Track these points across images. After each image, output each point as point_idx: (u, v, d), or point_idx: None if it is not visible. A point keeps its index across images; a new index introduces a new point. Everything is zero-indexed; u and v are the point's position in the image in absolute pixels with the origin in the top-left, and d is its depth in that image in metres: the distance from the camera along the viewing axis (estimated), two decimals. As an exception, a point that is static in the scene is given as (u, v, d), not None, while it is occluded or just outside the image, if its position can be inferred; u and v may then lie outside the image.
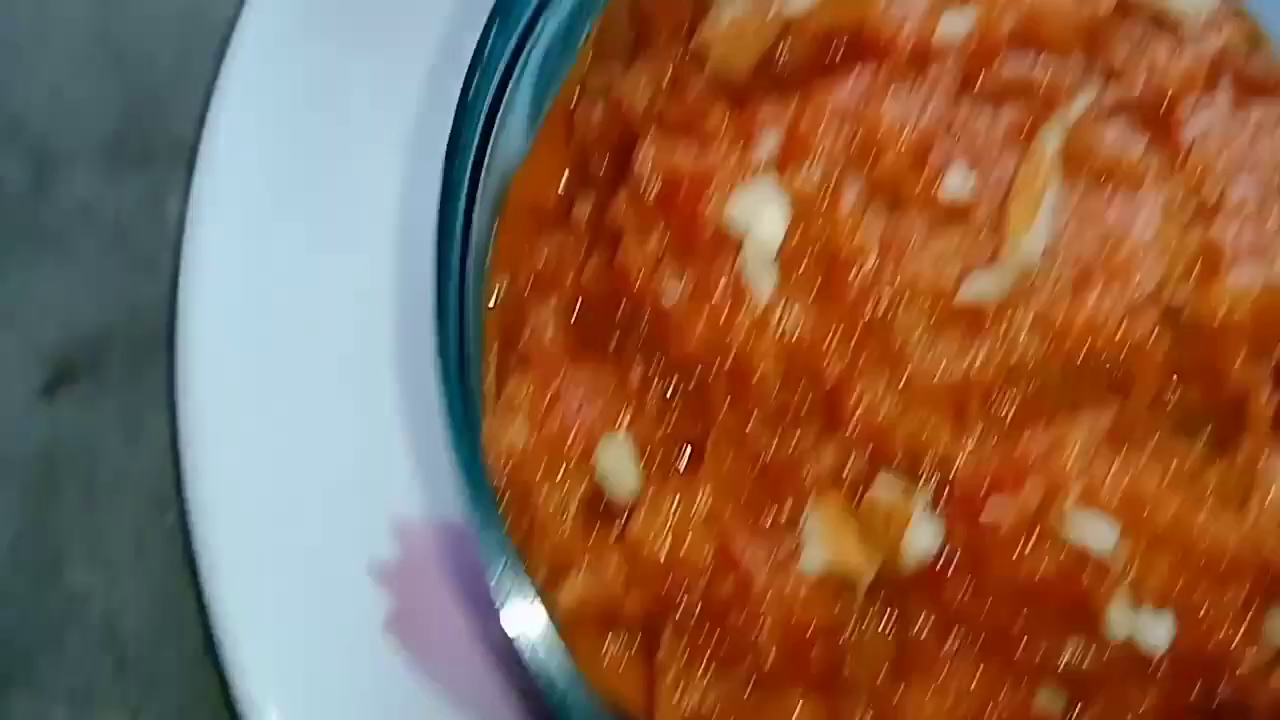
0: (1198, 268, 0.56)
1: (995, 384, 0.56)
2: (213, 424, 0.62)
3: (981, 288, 0.56)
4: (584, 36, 0.64)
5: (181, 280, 0.64)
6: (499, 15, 0.59)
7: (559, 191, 0.63)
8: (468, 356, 0.57)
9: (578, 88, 0.64)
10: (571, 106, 0.63)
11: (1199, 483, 0.56)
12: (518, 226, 0.61)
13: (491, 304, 0.61)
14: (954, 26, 0.58)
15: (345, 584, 0.62)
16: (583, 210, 0.62)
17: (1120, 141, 0.59)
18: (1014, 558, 0.54)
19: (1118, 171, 0.58)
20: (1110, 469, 0.55)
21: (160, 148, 0.72)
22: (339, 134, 0.66)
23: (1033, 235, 0.55)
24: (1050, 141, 0.57)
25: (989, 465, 0.55)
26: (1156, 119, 0.60)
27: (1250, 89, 0.63)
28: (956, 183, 0.56)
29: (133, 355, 0.70)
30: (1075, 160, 0.59)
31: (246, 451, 0.62)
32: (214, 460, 0.62)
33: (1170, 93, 0.60)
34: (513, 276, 0.61)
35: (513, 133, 0.61)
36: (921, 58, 0.58)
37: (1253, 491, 0.56)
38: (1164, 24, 0.62)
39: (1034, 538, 0.54)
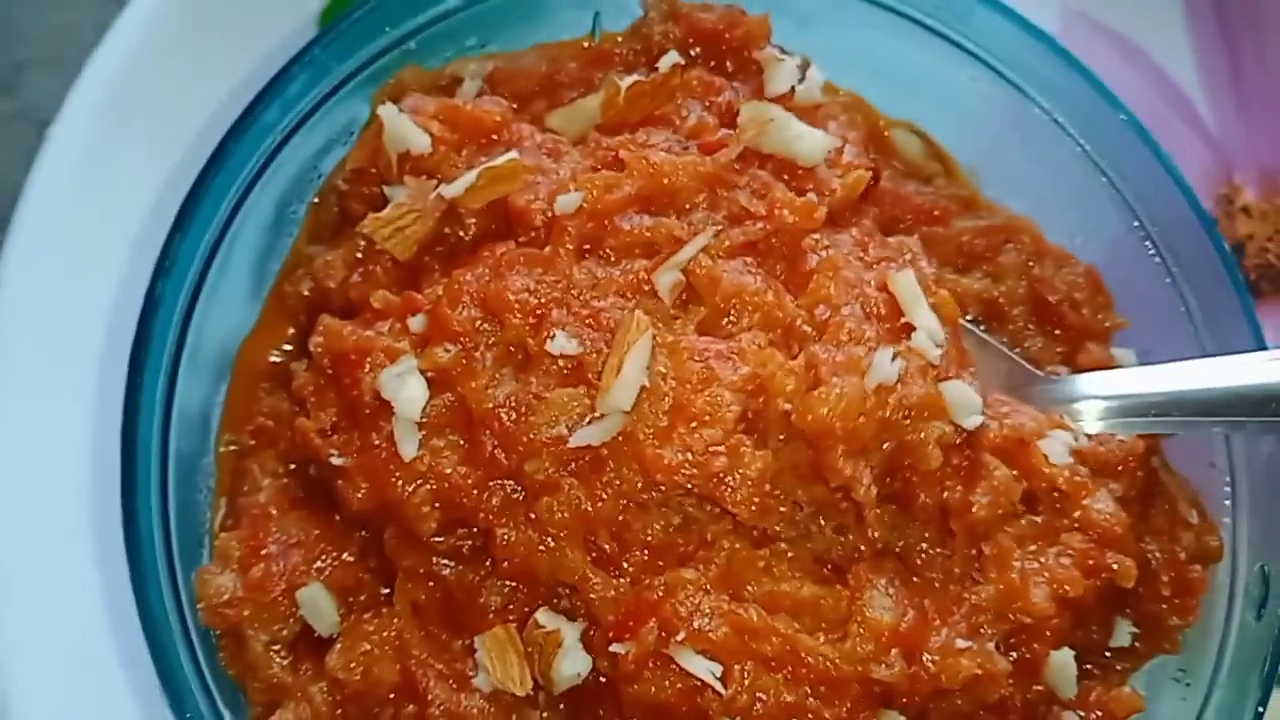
0: (799, 383, 0.65)
1: (617, 522, 0.64)
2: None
3: (587, 435, 0.63)
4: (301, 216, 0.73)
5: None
6: (200, 194, 0.68)
7: (279, 357, 0.72)
8: (169, 508, 0.66)
9: (294, 265, 0.72)
10: (286, 282, 0.72)
11: (807, 611, 0.63)
12: (245, 387, 0.71)
13: (222, 451, 0.71)
14: (568, 201, 0.66)
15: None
16: (298, 376, 0.71)
17: (738, 277, 0.66)
18: (640, 683, 0.62)
19: (739, 304, 0.65)
20: (719, 607, 0.62)
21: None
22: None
23: (621, 386, 0.62)
24: (665, 279, 0.65)
25: (617, 605, 0.63)
26: (783, 253, 0.67)
27: (888, 223, 0.70)
28: (561, 342, 0.64)
29: None
30: (692, 299, 0.66)
31: None
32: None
33: (794, 226, 0.67)
34: (238, 432, 0.71)
35: (232, 302, 0.70)
36: (547, 230, 0.66)
37: (851, 619, 0.63)
38: (788, 168, 0.69)
39: (656, 667, 0.62)
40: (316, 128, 0.72)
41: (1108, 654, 0.75)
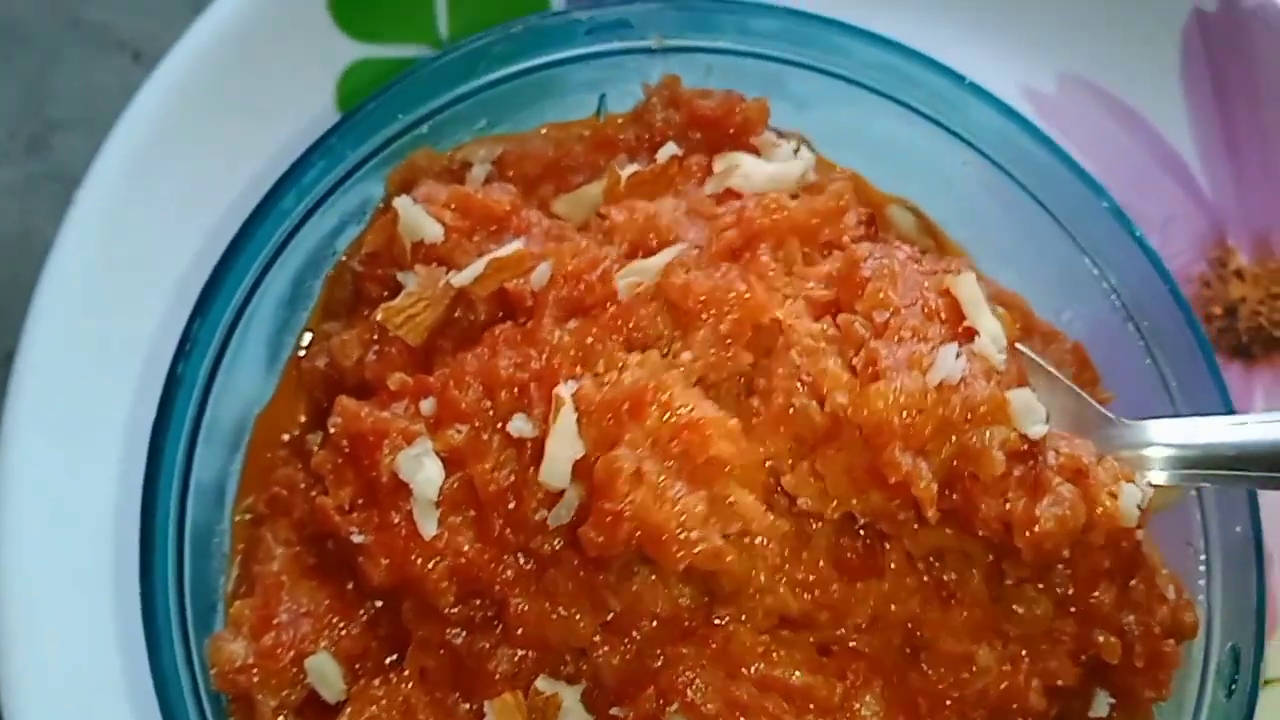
0: (858, 378, 0.67)
1: (626, 593, 0.68)
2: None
3: (556, 517, 0.68)
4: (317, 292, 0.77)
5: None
6: (219, 279, 0.72)
7: (296, 430, 0.76)
8: (184, 576, 0.71)
9: (310, 339, 0.77)
10: (302, 357, 0.77)
11: (799, 696, 0.67)
12: (260, 458, 0.75)
13: (237, 519, 0.75)
14: (541, 273, 0.71)
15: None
16: (313, 448, 0.75)
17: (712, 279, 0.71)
18: None
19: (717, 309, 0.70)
20: (714, 683, 0.67)
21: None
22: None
23: (551, 465, 0.67)
24: (624, 282, 0.70)
25: (621, 671, 0.67)
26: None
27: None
28: (519, 424, 0.69)
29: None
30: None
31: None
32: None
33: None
34: (255, 500, 0.75)
35: (248, 376, 0.75)
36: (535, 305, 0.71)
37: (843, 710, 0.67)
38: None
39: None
40: (332, 208, 0.76)
41: (1087, 724, 0.78)
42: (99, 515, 0.78)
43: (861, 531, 0.71)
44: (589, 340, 0.69)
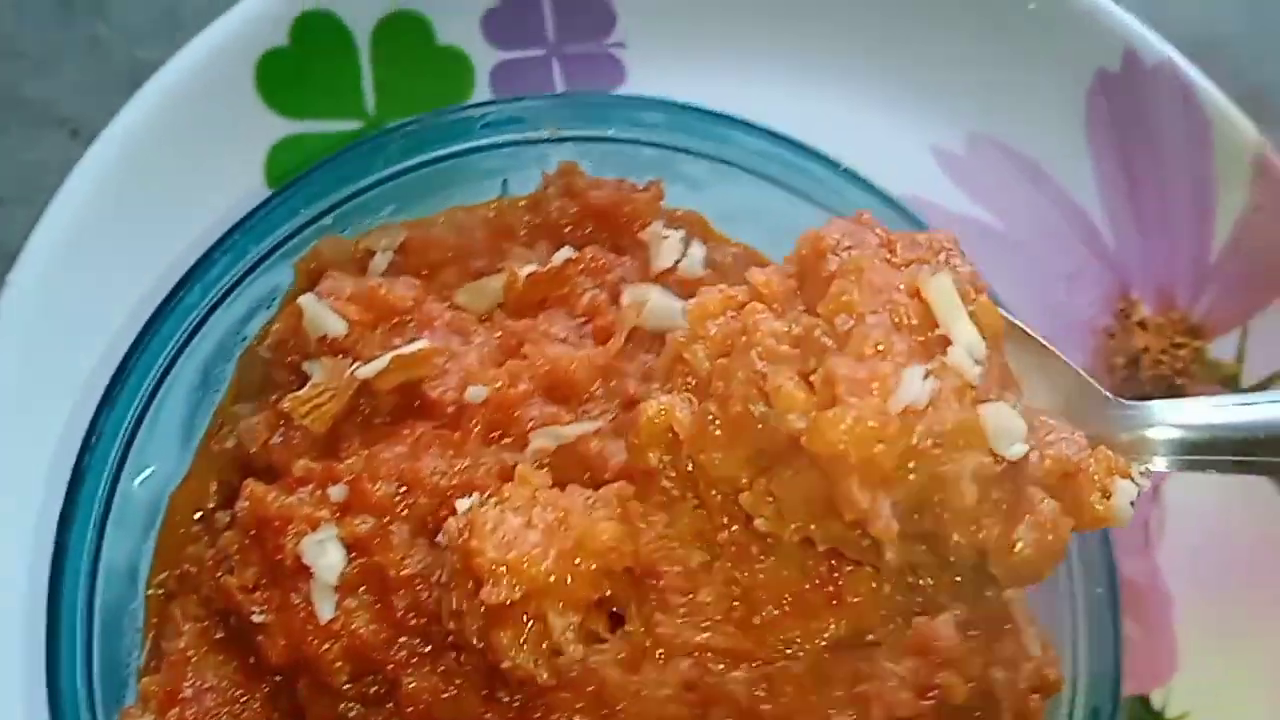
0: (809, 400, 0.62)
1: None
2: None
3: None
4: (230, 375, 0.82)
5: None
6: (125, 373, 0.77)
7: (209, 507, 0.81)
8: (93, 655, 0.75)
9: (222, 421, 0.82)
10: (213, 438, 0.82)
11: None
12: (172, 536, 0.80)
13: (149, 594, 0.80)
14: (476, 393, 0.75)
15: None
16: (222, 525, 0.80)
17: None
18: None
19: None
20: None
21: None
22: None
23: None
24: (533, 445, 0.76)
25: None
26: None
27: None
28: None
29: None
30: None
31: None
32: None
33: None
34: (166, 577, 0.80)
35: (159, 458, 0.80)
36: (458, 415, 0.75)
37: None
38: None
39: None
40: (241, 297, 0.81)
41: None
42: (10, 606, 0.82)
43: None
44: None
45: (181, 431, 0.80)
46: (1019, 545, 0.64)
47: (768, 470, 0.65)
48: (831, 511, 0.62)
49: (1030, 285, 1.10)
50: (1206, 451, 0.70)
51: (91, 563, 0.75)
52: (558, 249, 0.82)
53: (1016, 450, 0.62)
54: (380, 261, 0.83)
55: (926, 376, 0.61)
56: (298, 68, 0.98)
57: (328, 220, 0.82)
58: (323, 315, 0.77)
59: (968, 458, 0.61)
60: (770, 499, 0.65)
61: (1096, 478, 0.67)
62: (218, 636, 0.78)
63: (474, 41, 1.05)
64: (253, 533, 0.75)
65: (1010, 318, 0.72)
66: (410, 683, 0.73)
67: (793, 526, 0.65)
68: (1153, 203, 1.13)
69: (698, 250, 0.83)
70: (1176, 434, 0.70)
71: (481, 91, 1.05)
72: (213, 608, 0.78)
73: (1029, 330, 0.75)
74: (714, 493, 0.68)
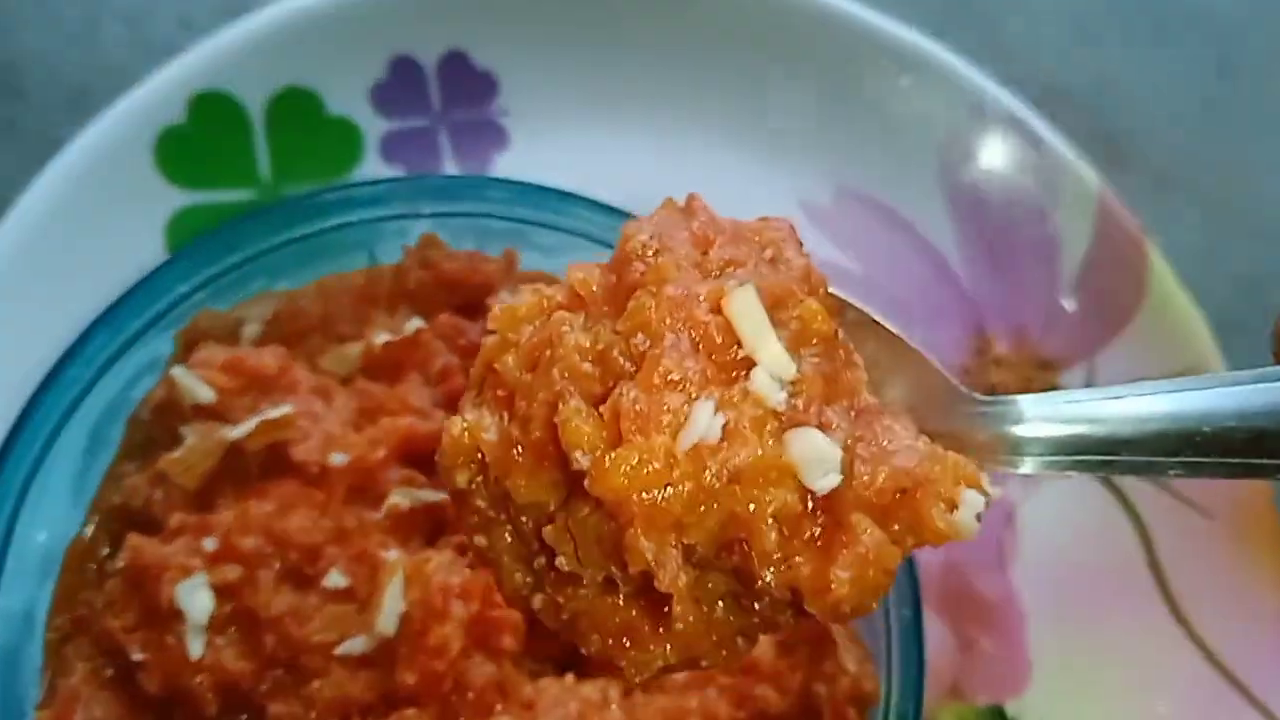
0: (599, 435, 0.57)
1: (370, 699, 0.83)
2: None
3: (352, 646, 0.84)
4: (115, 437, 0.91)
5: None
6: (12, 441, 0.86)
7: (100, 558, 0.91)
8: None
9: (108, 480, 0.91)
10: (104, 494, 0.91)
11: None
12: (68, 584, 0.90)
13: (49, 637, 0.89)
14: (339, 458, 0.85)
15: None
16: (112, 571, 0.89)
17: None
18: None
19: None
20: None
21: None
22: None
23: (384, 618, 0.84)
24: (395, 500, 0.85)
25: None
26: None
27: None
28: (335, 578, 0.85)
29: None
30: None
31: None
32: None
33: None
34: (63, 621, 0.90)
35: (53, 515, 0.89)
36: (322, 476, 0.85)
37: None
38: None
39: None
40: (126, 363, 0.90)
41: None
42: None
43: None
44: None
45: (73, 488, 0.90)
46: (835, 584, 0.57)
47: (569, 504, 0.59)
48: (623, 560, 0.57)
49: (892, 326, 1.19)
50: (1072, 450, 0.63)
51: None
52: (410, 321, 0.92)
53: (828, 482, 0.57)
54: (251, 330, 0.92)
55: (718, 410, 0.56)
56: (195, 142, 1.08)
57: (202, 295, 0.91)
58: (193, 385, 0.87)
59: (770, 495, 0.56)
60: (568, 536, 0.59)
61: (942, 489, 0.59)
62: (108, 675, 0.87)
63: (363, 112, 1.15)
64: (133, 579, 0.84)
65: (863, 310, 0.68)
66: (277, 710, 0.82)
67: (590, 570, 0.59)
68: (1004, 247, 1.22)
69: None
70: (1040, 430, 0.63)
71: (372, 158, 1.15)
72: (102, 648, 0.87)
73: (884, 324, 0.70)
74: (524, 519, 0.61)
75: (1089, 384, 1.21)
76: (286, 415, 0.86)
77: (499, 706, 0.83)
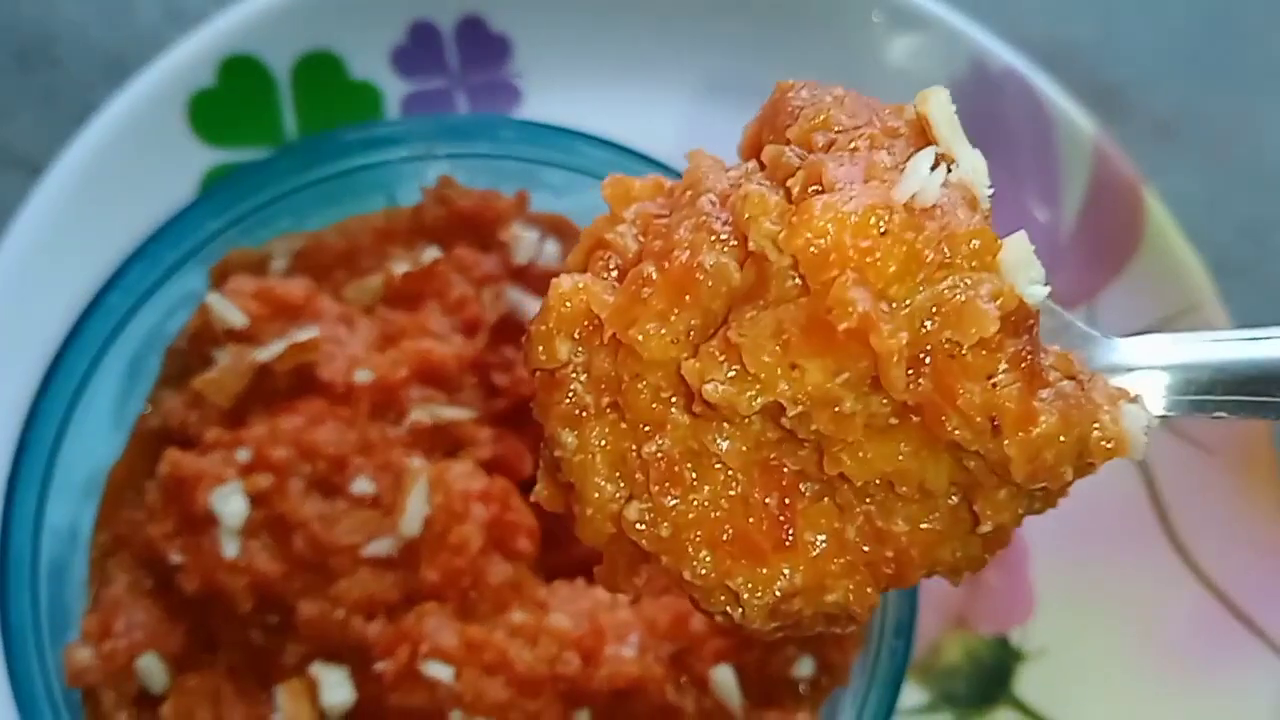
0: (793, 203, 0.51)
1: (394, 598, 0.90)
2: None
3: (379, 547, 0.91)
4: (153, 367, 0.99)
5: None
6: (59, 365, 0.93)
7: (139, 477, 0.98)
8: (40, 601, 0.92)
9: (150, 405, 0.99)
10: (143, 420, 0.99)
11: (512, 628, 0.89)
12: (111, 503, 0.97)
13: (94, 555, 0.97)
14: (363, 375, 0.93)
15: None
16: (150, 490, 0.97)
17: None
18: (399, 692, 0.88)
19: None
20: (453, 627, 0.89)
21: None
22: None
23: (408, 519, 0.90)
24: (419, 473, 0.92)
25: (381, 638, 0.89)
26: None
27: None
28: (362, 485, 0.92)
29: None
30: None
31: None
32: None
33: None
34: (106, 538, 0.97)
35: (97, 438, 0.96)
36: (347, 393, 0.92)
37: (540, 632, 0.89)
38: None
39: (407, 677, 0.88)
40: (161, 299, 0.97)
41: (801, 687, 0.96)
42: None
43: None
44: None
45: (114, 413, 0.97)
46: (1044, 415, 0.50)
47: (721, 325, 0.52)
48: (811, 347, 0.49)
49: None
50: (1209, 391, 0.59)
51: (36, 523, 0.91)
52: (427, 250, 0.99)
53: (1037, 291, 0.51)
54: (278, 265, 0.99)
55: (935, 169, 0.50)
56: (225, 104, 1.15)
57: (233, 232, 0.99)
58: (226, 310, 0.94)
59: (985, 280, 0.49)
60: (722, 358, 0.51)
61: (1100, 401, 0.53)
62: (147, 585, 0.94)
63: (384, 75, 1.23)
64: (171, 489, 0.91)
65: None
66: (306, 608, 0.89)
67: (754, 389, 0.50)
68: (1006, 194, 1.27)
69: (552, 246, 1.00)
70: (1177, 374, 0.59)
71: (392, 119, 1.22)
72: (142, 560, 0.94)
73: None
74: (641, 386, 0.53)
75: (1091, 325, 1.26)
76: (313, 338, 0.93)
77: (514, 605, 0.89)
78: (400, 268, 0.97)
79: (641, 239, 0.56)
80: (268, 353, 0.92)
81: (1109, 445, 0.53)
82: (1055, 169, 1.26)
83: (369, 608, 0.88)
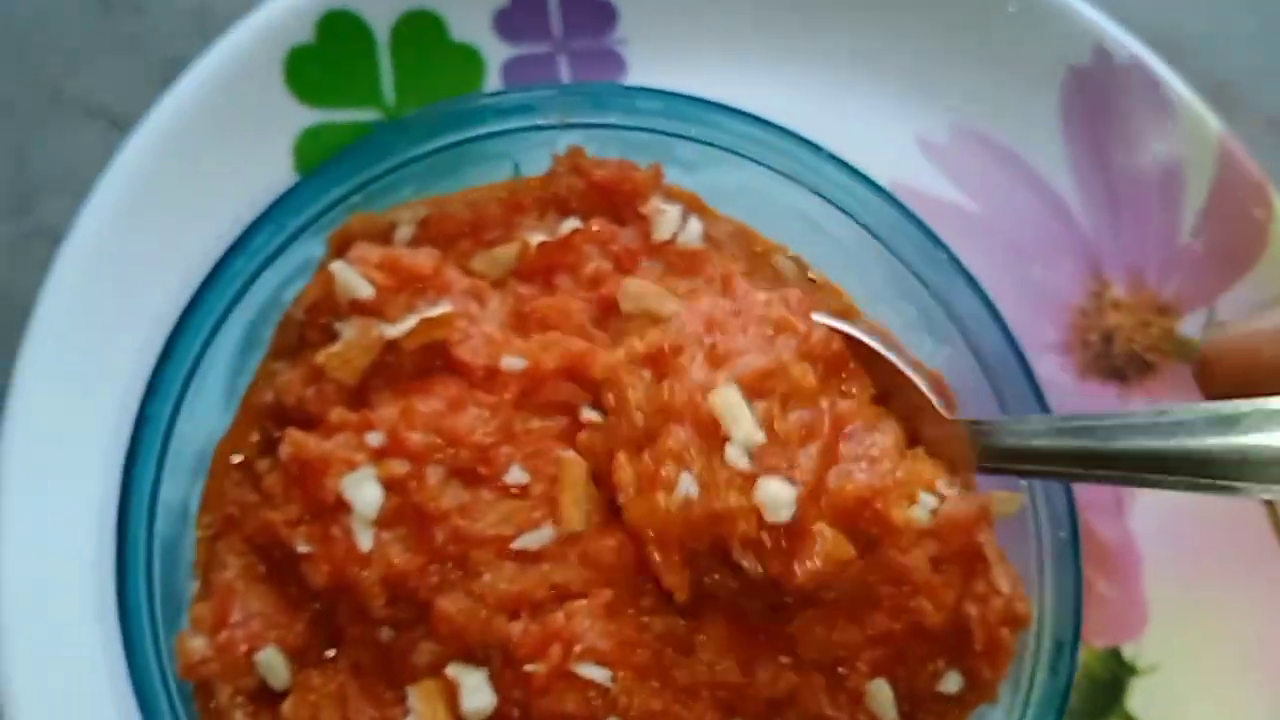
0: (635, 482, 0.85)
1: (541, 595, 0.85)
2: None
3: (530, 541, 0.86)
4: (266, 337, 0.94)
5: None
6: (180, 332, 0.89)
7: (248, 455, 0.93)
8: (154, 584, 0.87)
9: (260, 379, 0.93)
10: (254, 393, 0.93)
11: (666, 638, 0.86)
12: (218, 482, 0.92)
13: (200, 535, 0.91)
14: (513, 363, 0.88)
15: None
16: (262, 470, 0.92)
17: None
18: (549, 695, 0.84)
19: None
20: (606, 628, 0.84)
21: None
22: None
23: (575, 515, 0.86)
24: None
25: (528, 637, 0.84)
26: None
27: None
28: (515, 474, 0.87)
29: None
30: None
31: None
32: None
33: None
34: (213, 519, 0.92)
35: (207, 412, 0.92)
36: (488, 378, 0.88)
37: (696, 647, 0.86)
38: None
39: (559, 680, 0.84)
40: (279, 266, 0.92)
41: (949, 701, 0.93)
42: (83, 536, 0.94)
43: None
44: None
45: (225, 390, 0.92)
46: (799, 574, 0.82)
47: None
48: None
49: (1008, 265, 1.21)
50: (1020, 461, 0.88)
51: (151, 499, 0.86)
52: (565, 221, 0.94)
53: (784, 514, 0.81)
54: (404, 234, 0.94)
55: (696, 478, 0.82)
56: (322, 62, 1.10)
57: (356, 199, 0.94)
58: (352, 279, 0.89)
59: (740, 527, 0.82)
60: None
61: (906, 490, 0.85)
62: (260, 571, 0.89)
63: (486, 38, 1.17)
64: (295, 473, 0.86)
65: (872, 344, 0.93)
66: (444, 605, 0.84)
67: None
68: (1124, 189, 1.24)
69: (695, 224, 0.95)
70: (996, 445, 0.89)
71: (493, 84, 1.17)
72: (256, 544, 0.89)
73: (874, 343, 0.94)
74: None
75: (1208, 327, 1.23)
76: (445, 314, 0.88)
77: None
78: (536, 238, 0.92)
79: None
80: (398, 328, 0.87)
81: (898, 525, 0.87)
82: (1177, 164, 1.23)
83: (514, 605, 0.83)
